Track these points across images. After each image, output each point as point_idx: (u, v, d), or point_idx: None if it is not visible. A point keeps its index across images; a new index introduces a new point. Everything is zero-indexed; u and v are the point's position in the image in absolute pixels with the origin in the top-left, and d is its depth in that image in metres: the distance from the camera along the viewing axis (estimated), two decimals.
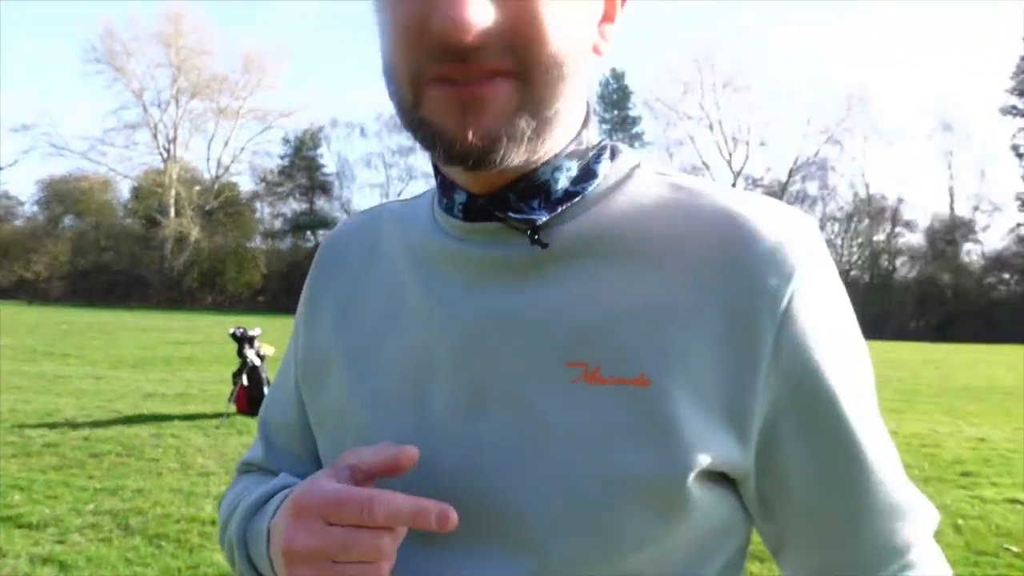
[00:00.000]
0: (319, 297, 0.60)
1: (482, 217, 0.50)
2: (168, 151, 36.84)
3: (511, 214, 0.48)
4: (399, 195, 37.42)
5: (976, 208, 34.44)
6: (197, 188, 37.11)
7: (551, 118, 0.45)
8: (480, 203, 0.49)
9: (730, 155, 36.87)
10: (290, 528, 0.45)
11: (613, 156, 0.52)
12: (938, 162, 40.80)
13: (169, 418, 6.45)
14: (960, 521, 4.07)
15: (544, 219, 0.48)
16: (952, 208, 34.67)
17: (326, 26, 64.48)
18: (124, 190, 38.56)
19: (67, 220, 37.60)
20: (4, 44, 50.15)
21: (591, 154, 0.51)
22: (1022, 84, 32.41)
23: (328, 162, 39.38)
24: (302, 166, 37.94)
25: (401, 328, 0.53)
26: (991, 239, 35.57)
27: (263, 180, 38.92)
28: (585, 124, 0.51)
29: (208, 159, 38.59)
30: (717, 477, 0.47)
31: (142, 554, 3.27)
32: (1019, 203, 33.02)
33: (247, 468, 0.68)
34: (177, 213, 35.83)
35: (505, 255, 0.49)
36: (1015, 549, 3.65)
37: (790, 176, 36.05)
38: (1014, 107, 32.98)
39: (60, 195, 36.36)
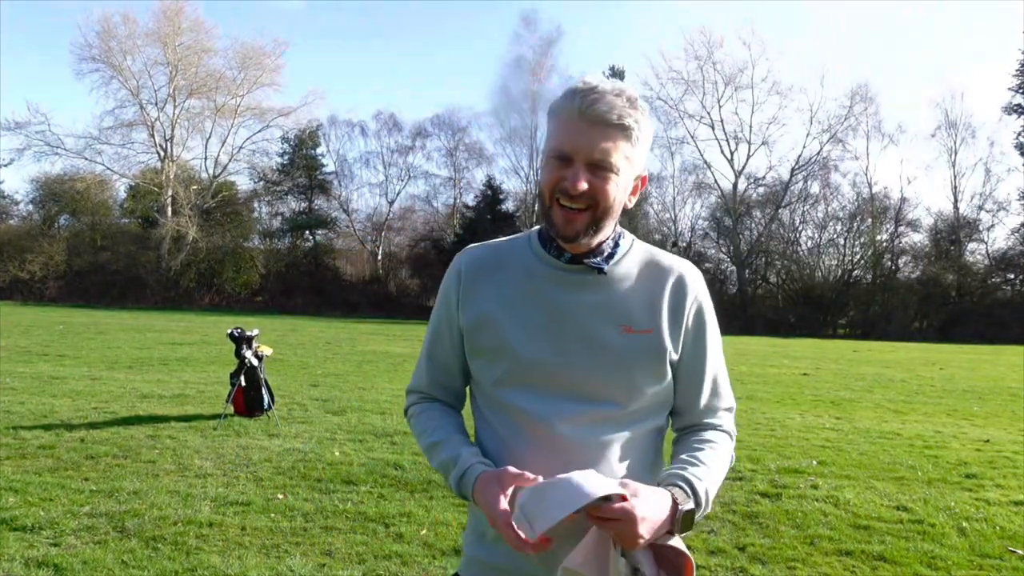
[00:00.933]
0: (471, 287, 1.18)
1: (574, 263, 1.15)
2: (165, 150, 36.76)
3: (589, 262, 1.14)
4: (398, 194, 37.12)
5: (981, 207, 34.42)
6: (195, 187, 37.01)
7: (602, 228, 1.11)
8: (576, 258, 1.15)
9: (731, 154, 36.90)
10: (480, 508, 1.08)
11: (622, 236, 1.20)
12: (942, 161, 40.95)
13: (166, 419, 6.40)
14: (964, 524, 4.04)
15: (605, 267, 1.15)
16: (956, 207, 34.68)
17: (325, 25, 64.35)
18: (121, 189, 38.51)
19: (63, 220, 37.49)
20: (1, 42, 50.01)
21: (619, 237, 1.19)
22: None
23: (327, 161, 39.35)
24: (301, 165, 37.84)
25: (527, 306, 1.15)
26: (996, 239, 35.62)
27: (261, 179, 38.84)
28: (615, 228, 1.17)
29: (205, 158, 38.56)
30: (668, 364, 1.14)
31: (138, 557, 3.23)
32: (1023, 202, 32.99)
33: (420, 394, 1.29)
34: (174, 213, 35.73)
35: (587, 278, 1.15)
36: (1020, 552, 3.62)
37: (792, 175, 36.07)
38: (1019, 105, 32.94)
39: (56, 194, 36.23)
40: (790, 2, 55.68)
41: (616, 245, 1.16)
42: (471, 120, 41.95)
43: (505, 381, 1.13)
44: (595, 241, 1.12)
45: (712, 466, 1.12)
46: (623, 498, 0.96)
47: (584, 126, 1.05)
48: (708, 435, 1.18)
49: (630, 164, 1.09)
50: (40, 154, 35.28)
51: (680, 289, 1.15)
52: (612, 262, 1.14)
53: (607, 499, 0.95)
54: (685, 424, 1.21)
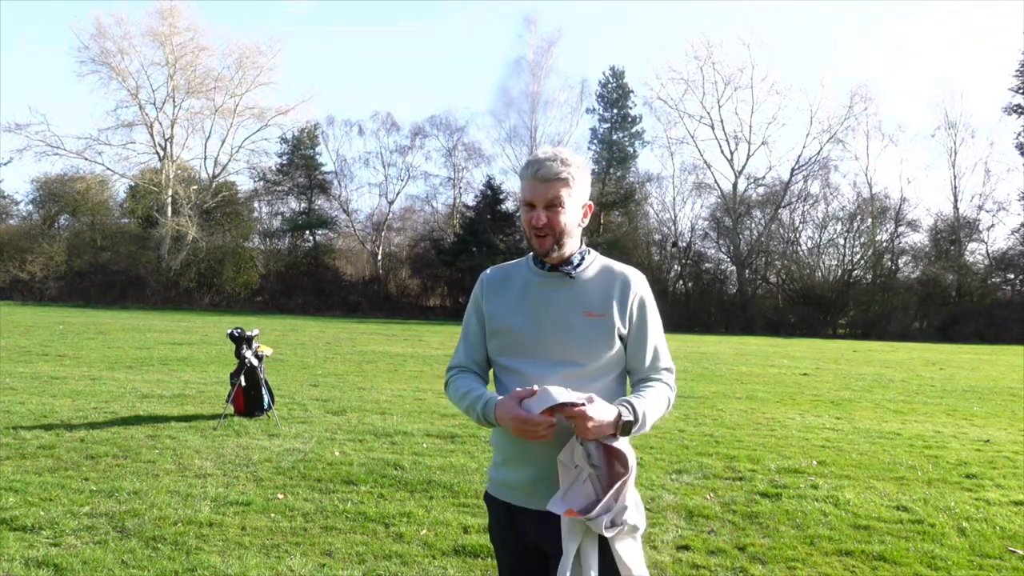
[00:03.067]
0: (491, 293, 1.77)
1: (553, 271, 1.74)
2: (165, 150, 36.75)
3: (563, 269, 1.73)
4: (398, 195, 37.12)
5: (980, 207, 34.33)
6: (195, 187, 37.01)
7: (563, 244, 1.70)
8: (553, 267, 1.73)
9: (731, 154, 36.84)
10: (500, 420, 1.60)
11: (587, 252, 1.77)
12: (942, 161, 40.91)
13: (166, 419, 6.40)
14: (964, 524, 4.04)
15: (573, 272, 1.73)
16: (956, 207, 34.60)
17: (324, 24, 64.34)
18: (121, 189, 38.50)
19: (63, 220, 37.50)
20: (1, 42, 49.99)
21: (584, 253, 1.76)
22: None
23: (327, 160, 39.32)
24: (300, 165, 37.82)
25: (524, 302, 1.72)
26: (996, 239, 35.58)
27: (261, 179, 38.83)
28: (581, 242, 1.77)
29: (205, 158, 38.54)
30: (619, 337, 1.70)
31: (138, 557, 3.23)
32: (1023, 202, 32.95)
33: (458, 368, 1.80)
34: (174, 212, 35.72)
35: (562, 280, 1.72)
36: (1020, 552, 3.62)
37: (792, 175, 36.04)
38: (1018, 106, 32.90)
39: (56, 195, 36.23)
40: (790, 2, 55.70)
41: (582, 258, 1.73)
42: (469, 120, 41.97)
43: (507, 351, 1.72)
44: (564, 254, 1.69)
45: (650, 399, 1.64)
46: (583, 404, 1.50)
47: (537, 184, 1.65)
48: (651, 383, 1.71)
49: (573, 199, 1.67)
50: (40, 154, 35.30)
51: (625, 286, 1.70)
52: (579, 270, 1.71)
53: (573, 405, 1.48)
54: (636, 379, 1.75)
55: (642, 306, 1.72)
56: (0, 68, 49.45)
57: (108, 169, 36.57)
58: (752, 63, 35.99)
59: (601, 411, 1.50)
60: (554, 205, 1.63)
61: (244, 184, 39.44)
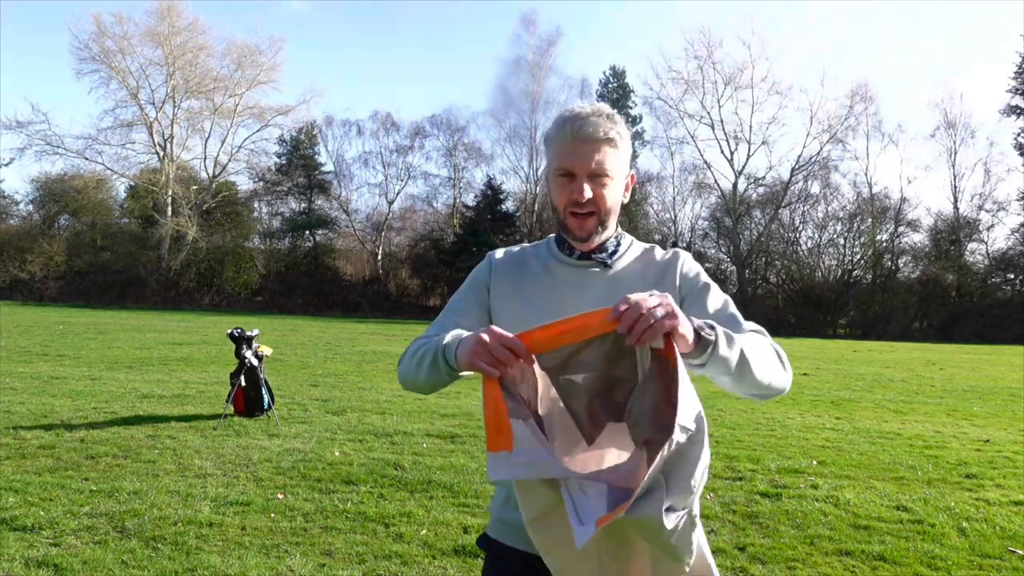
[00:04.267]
0: (503, 277, 1.42)
1: (584, 259, 1.39)
2: (165, 150, 36.74)
3: (596, 257, 1.39)
4: (398, 194, 37.10)
5: (980, 207, 34.34)
6: (194, 187, 36.99)
7: (606, 227, 1.37)
8: (585, 255, 1.39)
9: (731, 154, 36.82)
10: (474, 337, 1.09)
11: (623, 236, 1.43)
12: (942, 161, 40.93)
13: (166, 419, 6.40)
14: (964, 524, 4.04)
15: (610, 262, 1.39)
16: (956, 207, 34.60)
17: (323, 25, 64.34)
18: (121, 189, 38.47)
19: (63, 220, 37.45)
20: (1, 41, 49.97)
21: (619, 237, 1.42)
22: None
23: (326, 160, 39.31)
24: (299, 165, 37.82)
25: (547, 297, 1.37)
26: (995, 239, 35.57)
27: (261, 179, 38.81)
28: (618, 226, 1.42)
29: (205, 158, 38.52)
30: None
31: (138, 557, 3.23)
32: (1023, 202, 32.97)
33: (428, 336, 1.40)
34: (174, 212, 35.71)
35: (594, 271, 1.39)
36: (1020, 552, 3.62)
37: (792, 175, 36.03)
38: (1017, 107, 32.94)
39: (56, 194, 36.19)
40: (790, 2, 55.70)
41: (618, 244, 1.42)
42: (469, 120, 41.87)
43: None
44: (602, 238, 1.39)
45: (743, 335, 1.18)
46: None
47: (579, 146, 1.29)
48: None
49: (620, 168, 1.34)
50: (41, 154, 35.31)
51: (668, 267, 1.38)
52: (615, 257, 1.40)
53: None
54: None
55: (690, 278, 1.37)
56: (0, 67, 49.45)
57: (108, 169, 36.57)
58: (752, 63, 36.01)
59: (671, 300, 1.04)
60: (601, 174, 1.29)
61: (244, 184, 39.41)
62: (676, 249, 1.42)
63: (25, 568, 3.07)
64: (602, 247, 1.38)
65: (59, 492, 4.11)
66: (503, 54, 63.85)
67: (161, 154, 36.74)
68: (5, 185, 38.58)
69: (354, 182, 41.25)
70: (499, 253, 1.47)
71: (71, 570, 3.06)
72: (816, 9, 56.43)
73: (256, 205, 39.83)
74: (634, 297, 1.00)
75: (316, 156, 38.99)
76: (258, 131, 38.34)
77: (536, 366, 1.05)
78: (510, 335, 1.03)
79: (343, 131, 39.36)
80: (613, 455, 1.07)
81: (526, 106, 36.28)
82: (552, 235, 1.47)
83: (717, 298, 1.34)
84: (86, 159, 35.94)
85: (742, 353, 1.12)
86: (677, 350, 0.98)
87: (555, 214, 1.37)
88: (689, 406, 0.93)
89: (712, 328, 1.09)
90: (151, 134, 36.81)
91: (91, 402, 7.11)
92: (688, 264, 1.39)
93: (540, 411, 1.05)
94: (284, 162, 38.37)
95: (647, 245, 1.44)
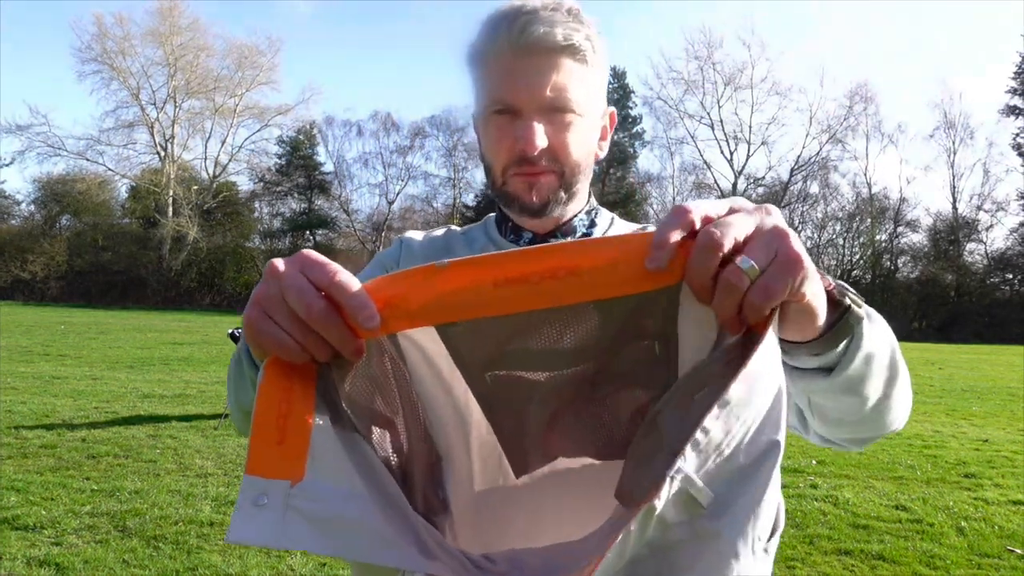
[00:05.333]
0: (407, 266, 0.75)
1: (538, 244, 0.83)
2: (166, 150, 36.78)
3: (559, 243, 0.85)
4: (398, 195, 37.11)
5: (979, 208, 34.45)
6: (195, 188, 37.03)
7: (575, 192, 0.86)
8: (539, 239, 0.89)
9: (731, 154, 36.85)
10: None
11: (599, 212, 0.94)
12: (941, 161, 40.94)
13: (167, 419, 6.41)
14: (963, 523, 4.05)
15: None
16: (955, 207, 34.68)
17: (324, 25, 64.47)
18: (122, 190, 38.53)
19: (64, 220, 37.51)
20: (1, 42, 50.04)
21: (593, 213, 0.93)
22: None
23: (326, 161, 39.37)
24: (299, 165, 37.87)
25: None
26: (994, 239, 35.64)
27: (261, 179, 38.86)
28: (590, 196, 0.93)
29: (205, 158, 38.58)
30: None
31: (139, 556, 3.25)
32: (1022, 202, 33.03)
33: None
34: (175, 213, 35.75)
35: None
36: (1019, 551, 3.63)
37: (792, 175, 36.06)
38: (1016, 107, 33.00)
39: (57, 195, 36.25)
40: (790, 2, 55.72)
41: (592, 223, 0.91)
42: (469, 121, 41.91)
43: None
44: (567, 212, 0.87)
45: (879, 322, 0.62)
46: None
47: (523, 61, 0.78)
48: None
49: (591, 98, 0.83)
50: (42, 155, 35.37)
51: None
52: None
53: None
54: None
55: None
56: (0, 67, 49.48)
57: (109, 170, 36.66)
58: (752, 63, 36.03)
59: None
60: (561, 107, 0.80)
61: (244, 184, 39.49)
62: None
63: (27, 567, 3.09)
64: (567, 226, 0.88)
65: (61, 491, 4.13)
66: None
67: (162, 154, 36.79)
68: (7, 185, 38.69)
69: (354, 182, 41.37)
70: (416, 236, 0.98)
71: (72, 569, 3.08)
72: (816, 9, 56.46)
73: (256, 205, 39.89)
74: (706, 208, 0.48)
75: (316, 156, 39.08)
76: (258, 131, 38.47)
77: (421, 342, 0.52)
78: (338, 270, 0.47)
79: (343, 131, 39.43)
80: (564, 518, 0.59)
81: None
82: (491, 215, 0.97)
83: None
84: (87, 160, 36.04)
85: (893, 352, 0.62)
86: (772, 329, 0.45)
87: (489, 180, 0.87)
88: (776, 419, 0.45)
89: (855, 294, 0.58)
90: (152, 134, 36.88)
91: (92, 402, 7.13)
92: None
93: (412, 436, 0.55)
94: (284, 162, 38.42)
95: (638, 226, 0.93)
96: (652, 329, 0.52)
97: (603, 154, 0.90)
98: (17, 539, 3.39)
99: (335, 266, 0.47)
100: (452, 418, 0.58)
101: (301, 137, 38.33)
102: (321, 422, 0.46)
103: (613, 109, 0.92)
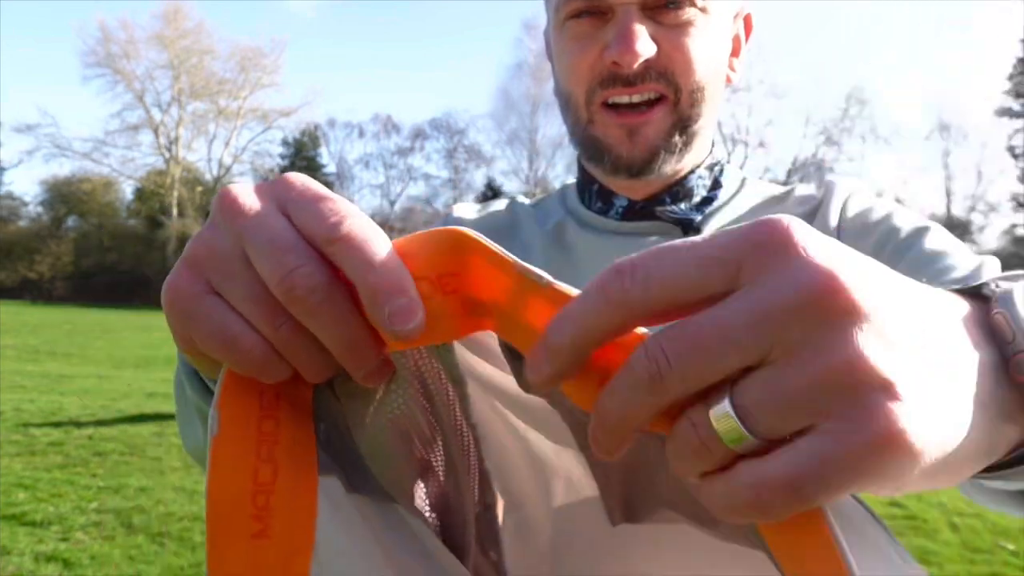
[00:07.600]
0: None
1: (641, 217, 0.62)
2: (170, 152, 36.94)
3: (666, 212, 0.61)
4: (399, 195, 37.20)
5: (973, 208, 34.49)
6: (199, 189, 37.16)
7: (696, 133, 0.59)
8: (639, 206, 0.62)
9: (728, 155, 36.57)
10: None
11: (724, 168, 0.66)
12: (935, 163, 40.80)
13: (172, 417, 6.47)
14: (956, 519, 4.09)
15: (699, 218, 0.61)
16: (949, 208, 34.72)
17: (324, 26, 64.54)
18: (127, 191, 38.68)
19: (70, 221, 37.70)
20: (5, 44, 50.31)
21: (717, 168, 0.65)
22: (1019, 86, 32.31)
23: (328, 162, 39.47)
24: (302, 167, 38.00)
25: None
26: (987, 239, 35.59)
27: (264, 180, 38.86)
28: (713, 144, 0.65)
29: (209, 160, 38.70)
30: None
31: (145, 552, 3.31)
32: (1015, 204, 32.98)
33: None
34: (180, 214, 35.89)
35: (662, 241, 0.59)
36: (1011, 547, 3.67)
37: (788, 177, 36.00)
38: (1010, 109, 32.97)
39: (63, 196, 36.43)
40: (790, 2, 55.59)
41: (717, 182, 0.64)
42: (469, 122, 42.00)
43: None
44: (681, 167, 0.61)
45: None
46: None
47: None
48: None
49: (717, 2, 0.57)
50: (49, 156, 35.56)
51: (815, 213, 0.62)
52: (709, 208, 0.62)
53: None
54: None
55: (872, 217, 0.60)
56: (1, 68, 49.73)
57: (114, 171, 36.82)
58: (750, 64, 35.97)
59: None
60: (676, 3, 0.55)
61: None
62: (832, 179, 0.67)
63: (35, 562, 3.15)
64: (679, 188, 0.62)
65: (68, 488, 4.19)
66: (505, 58, 64.00)
67: (167, 156, 36.96)
68: (14, 187, 38.83)
69: (356, 183, 41.44)
70: (468, 212, 0.71)
71: (79, 565, 3.14)
72: (814, 9, 56.32)
73: None
74: (669, 264, 0.23)
75: (318, 158, 39.20)
76: (262, 133, 38.58)
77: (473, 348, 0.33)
78: (350, 211, 0.27)
79: (345, 133, 39.52)
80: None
81: (527, 109, 36.40)
82: (570, 180, 0.71)
83: (934, 241, 0.55)
84: (93, 161, 36.22)
85: None
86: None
87: (568, 123, 0.62)
88: None
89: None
90: (157, 136, 37.03)
91: (99, 400, 7.20)
92: (858, 199, 0.62)
93: (460, 486, 0.37)
94: (287, 164, 38.54)
95: (773, 189, 0.67)
96: None
97: (736, 77, 0.63)
98: (25, 535, 3.46)
99: (344, 204, 0.27)
100: (523, 458, 0.37)
101: (304, 139, 38.47)
102: (330, 490, 0.28)
103: (750, 10, 0.63)
